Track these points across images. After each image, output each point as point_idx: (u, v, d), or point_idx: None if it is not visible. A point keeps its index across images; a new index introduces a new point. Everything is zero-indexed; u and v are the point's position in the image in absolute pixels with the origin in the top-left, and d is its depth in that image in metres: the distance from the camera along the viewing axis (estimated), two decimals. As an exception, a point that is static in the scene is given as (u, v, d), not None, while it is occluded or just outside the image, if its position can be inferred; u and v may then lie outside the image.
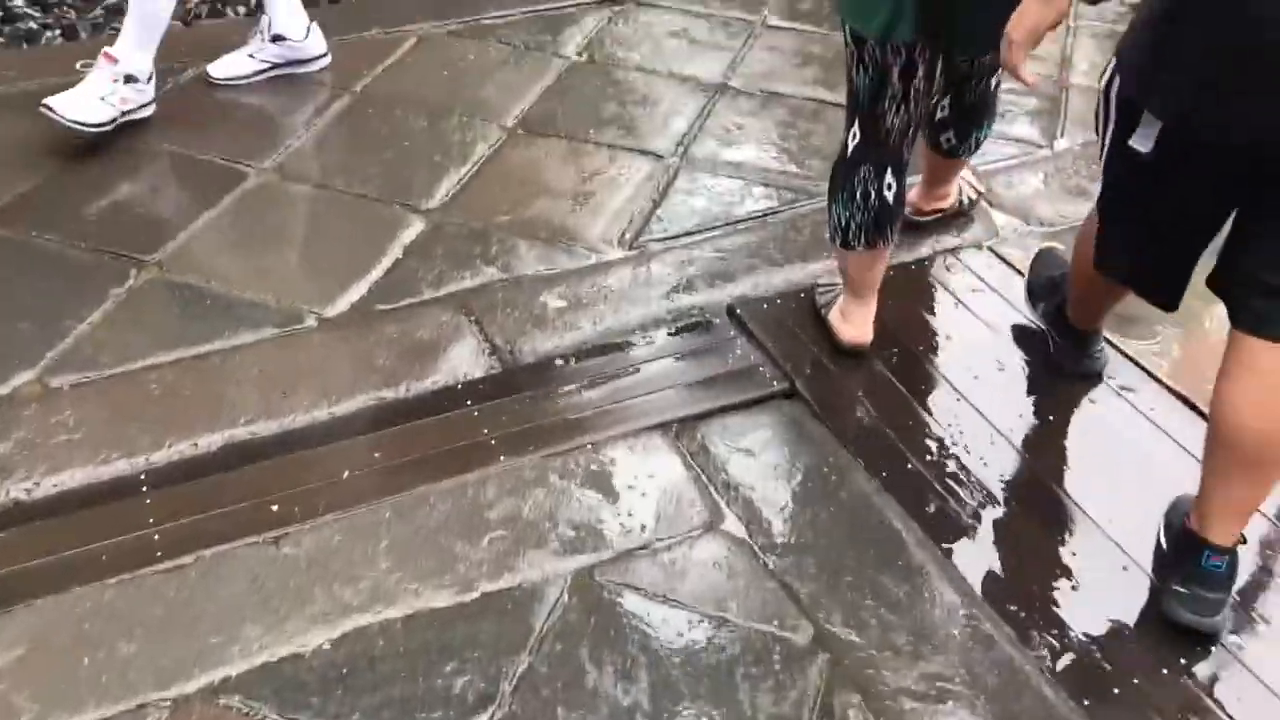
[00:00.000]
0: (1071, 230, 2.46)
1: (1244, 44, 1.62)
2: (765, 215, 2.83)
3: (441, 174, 2.92)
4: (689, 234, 2.76)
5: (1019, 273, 2.64)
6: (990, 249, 2.75)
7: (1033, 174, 3.03)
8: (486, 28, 3.58)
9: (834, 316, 2.40)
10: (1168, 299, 1.97)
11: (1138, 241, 1.97)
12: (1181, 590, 1.87)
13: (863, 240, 2.27)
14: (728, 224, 2.80)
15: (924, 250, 2.73)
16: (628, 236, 2.74)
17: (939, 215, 2.76)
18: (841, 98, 3.23)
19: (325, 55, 3.29)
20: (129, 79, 2.87)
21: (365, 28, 3.54)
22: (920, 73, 2.13)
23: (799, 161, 3.04)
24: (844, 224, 2.27)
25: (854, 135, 2.24)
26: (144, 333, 2.37)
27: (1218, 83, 1.67)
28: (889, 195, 2.23)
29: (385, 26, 3.54)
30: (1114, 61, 1.84)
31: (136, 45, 2.87)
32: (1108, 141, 1.90)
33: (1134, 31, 1.83)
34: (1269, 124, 1.65)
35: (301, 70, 3.26)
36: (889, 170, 2.22)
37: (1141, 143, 1.78)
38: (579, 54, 3.49)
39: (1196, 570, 1.86)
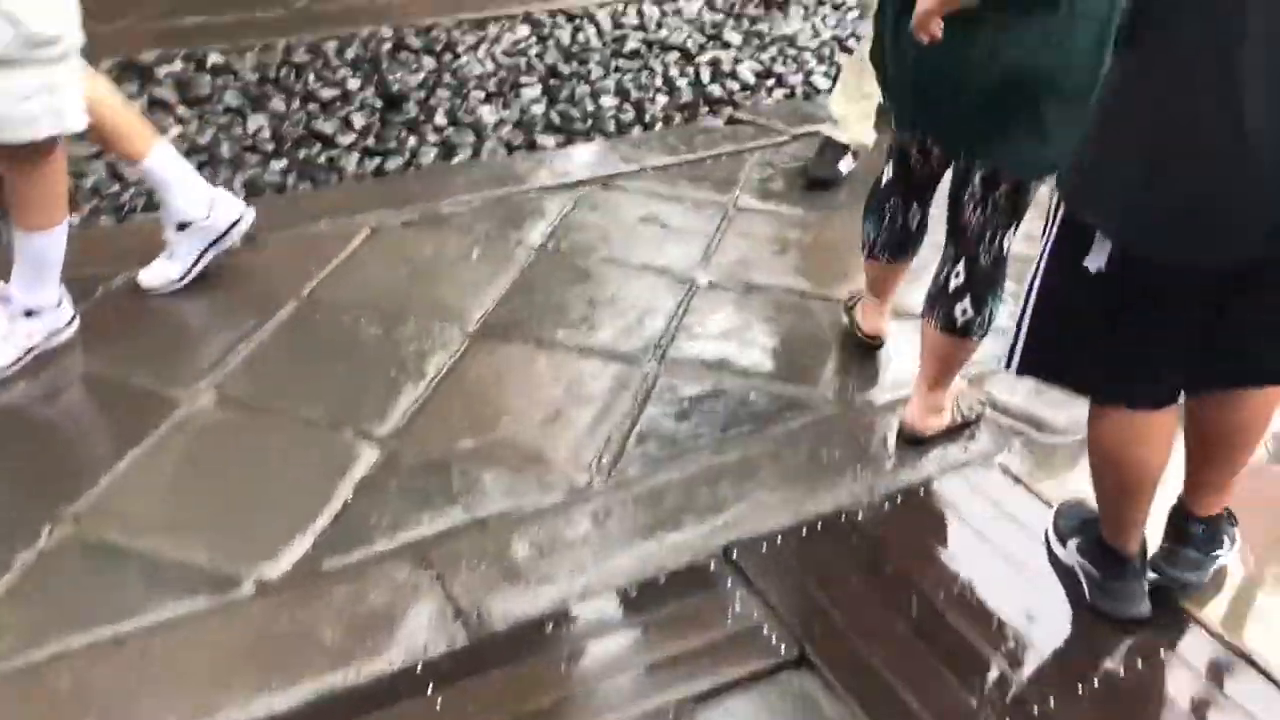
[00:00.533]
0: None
1: (1186, 159, 1.68)
2: (755, 430, 2.59)
3: (397, 392, 2.65)
4: (672, 455, 2.50)
5: (1037, 496, 2.41)
6: (1001, 466, 2.51)
7: (1036, 371, 2.82)
8: (444, 216, 3.37)
9: (857, 312, 2.83)
10: (1154, 402, 1.96)
11: (1096, 350, 1.93)
12: (1164, 549, 2.17)
13: (886, 255, 2.67)
14: (714, 441, 2.55)
15: (930, 468, 2.49)
16: (605, 461, 2.48)
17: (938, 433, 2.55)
18: (823, 288, 3.10)
19: (244, 216, 2.99)
20: (30, 313, 2.60)
21: (314, 220, 3.31)
22: (936, 153, 2.46)
23: (786, 364, 2.82)
24: (871, 240, 2.67)
25: (888, 170, 2.61)
26: (53, 610, 2.05)
27: (1165, 200, 1.71)
28: (913, 223, 2.61)
29: (335, 218, 3.31)
30: (1061, 188, 1.88)
31: (30, 281, 2.59)
32: (1045, 260, 1.90)
33: (1078, 155, 1.84)
34: (1217, 239, 1.72)
35: (228, 242, 2.97)
36: (915, 203, 2.59)
37: (1095, 261, 1.81)
38: (544, 244, 3.27)
39: (1183, 533, 2.16)
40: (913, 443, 2.52)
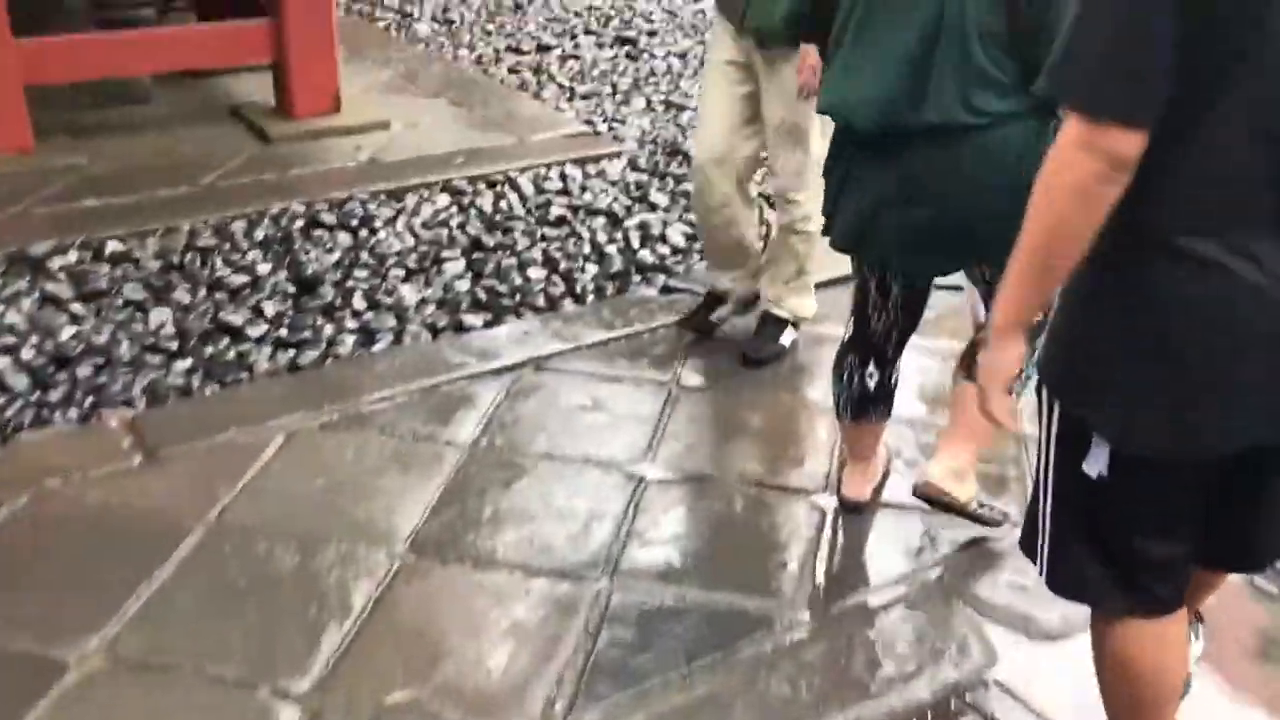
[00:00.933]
0: (1084, 629, 1.98)
1: (1171, 345, 1.54)
2: (724, 655, 2.33)
3: (319, 635, 2.35)
4: (634, 696, 2.22)
5: (1040, 717, 2.18)
6: (997, 683, 2.28)
7: (1014, 561, 2.61)
8: (366, 416, 3.11)
9: (844, 472, 2.78)
10: (1165, 607, 1.77)
11: (1111, 560, 1.74)
12: None
13: (849, 414, 2.66)
14: (679, 674, 2.28)
15: (922, 692, 2.25)
16: (558, 708, 2.19)
17: (956, 509, 2.60)
18: (779, 477, 2.90)
19: None
20: None
21: (222, 428, 3.02)
22: (896, 290, 2.48)
23: (751, 569, 2.58)
24: (835, 397, 2.68)
25: (849, 327, 2.63)
26: None
27: (1153, 393, 1.57)
28: (870, 383, 2.61)
29: (245, 424, 3.04)
30: (1044, 378, 1.71)
31: None
32: (1051, 461, 1.73)
33: (1057, 342, 1.68)
34: (1217, 431, 1.58)
35: None
36: (871, 362, 2.59)
37: (1094, 466, 1.65)
38: (476, 440, 3.03)
39: None
40: (895, 654, 2.29)
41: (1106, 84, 1.48)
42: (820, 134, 3.12)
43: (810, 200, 3.20)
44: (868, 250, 2.46)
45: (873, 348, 2.59)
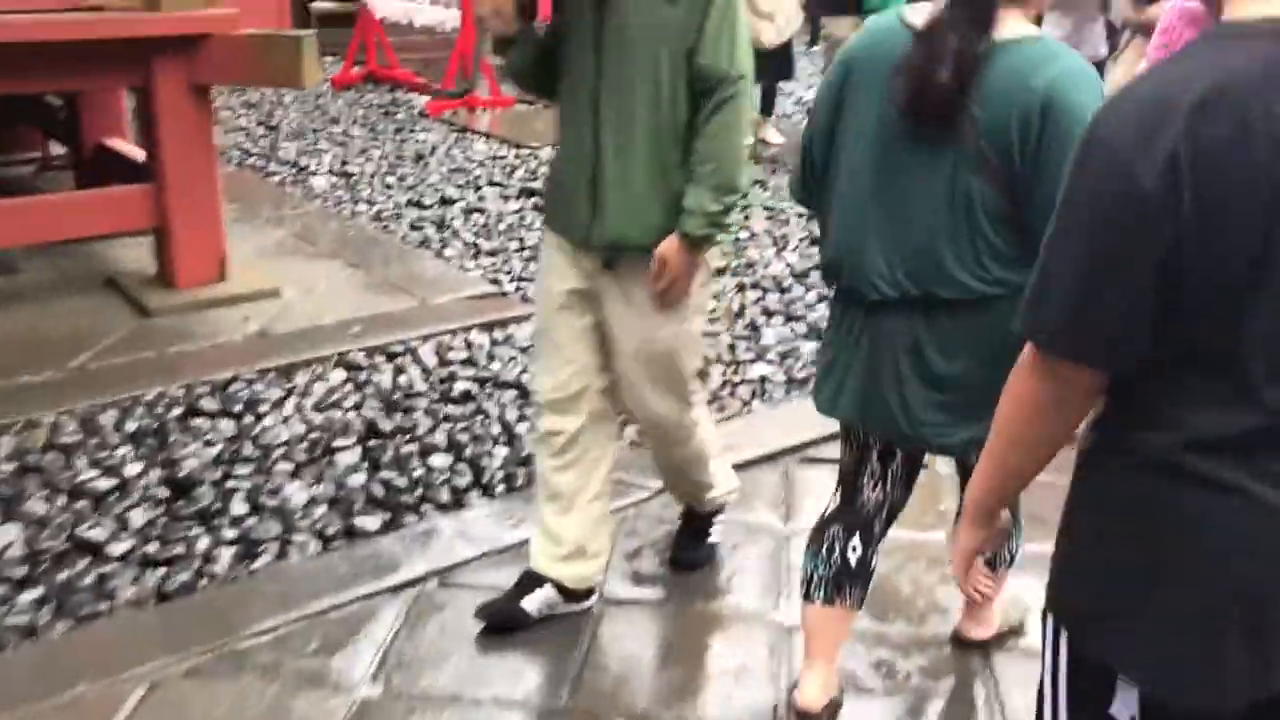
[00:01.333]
0: None
1: (1187, 577, 1.34)
2: None
3: None
4: None
5: None
6: None
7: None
8: (243, 654, 2.70)
9: (800, 680, 2.48)
10: None
11: None
12: None
13: (822, 594, 2.41)
14: None
15: None
16: None
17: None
18: (719, 716, 2.55)
19: None
20: None
21: (71, 682, 2.59)
22: (899, 459, 2.35)
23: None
24: (808, 575, 2.43)
25: (835, 497, 2.45)
26: None
27: (1179, 633, 1.36)
28: (852, 558, 2.39)
29: (100, 676, 2.61)
30: (1056, 610, 1.49)
31: None
32: (1063, 702, 1.49)
33: (1068, 568, 1.46)
34: (1252, 677, 1.35)
35: None
36: (857, 534, 2.39)
37: (1125, 710, 1.42)
38: (371, 680, 2.64)
39: None
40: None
41: (1068, 328, 1.34)
42: (696, 349, 2.78)
43: (695, 427, 2.83)
44: (874, 418, 2.27)
45: (862, 519, 2.40)
